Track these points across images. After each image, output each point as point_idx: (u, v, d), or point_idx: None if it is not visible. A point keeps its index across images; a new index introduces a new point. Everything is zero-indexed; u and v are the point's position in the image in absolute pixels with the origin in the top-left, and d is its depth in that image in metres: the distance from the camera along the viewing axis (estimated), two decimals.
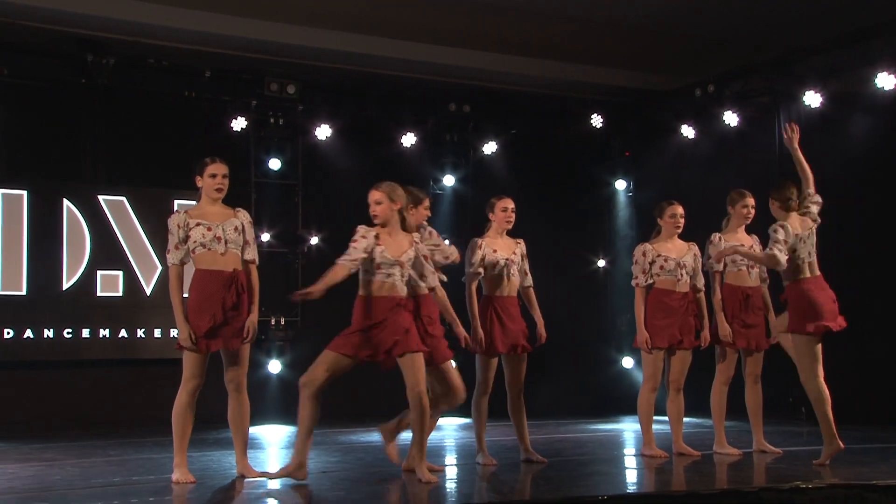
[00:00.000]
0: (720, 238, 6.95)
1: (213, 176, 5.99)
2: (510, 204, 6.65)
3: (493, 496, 5.75)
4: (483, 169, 11.87)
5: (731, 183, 10.12)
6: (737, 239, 6.95)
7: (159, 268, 10.40)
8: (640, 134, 12.09)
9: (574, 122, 11.85)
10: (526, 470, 6.41)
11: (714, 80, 10.76)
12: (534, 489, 5.93)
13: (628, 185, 12.20)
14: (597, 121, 11.74)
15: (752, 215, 7.05)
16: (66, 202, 10.18)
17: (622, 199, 12.28)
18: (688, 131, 11.14)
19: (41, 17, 9.30)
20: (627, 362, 11.70)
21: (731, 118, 10.58)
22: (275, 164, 10.74)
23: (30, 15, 9.22)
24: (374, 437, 8.67)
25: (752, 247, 6.94)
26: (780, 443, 7.27)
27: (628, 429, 9.52)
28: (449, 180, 11.72)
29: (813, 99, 9.75)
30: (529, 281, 6.70)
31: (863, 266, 9.56)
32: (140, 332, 10.36)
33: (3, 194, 9.83)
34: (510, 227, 6.68)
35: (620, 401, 11.17)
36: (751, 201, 7.04)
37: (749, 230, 7.12)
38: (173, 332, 10.31)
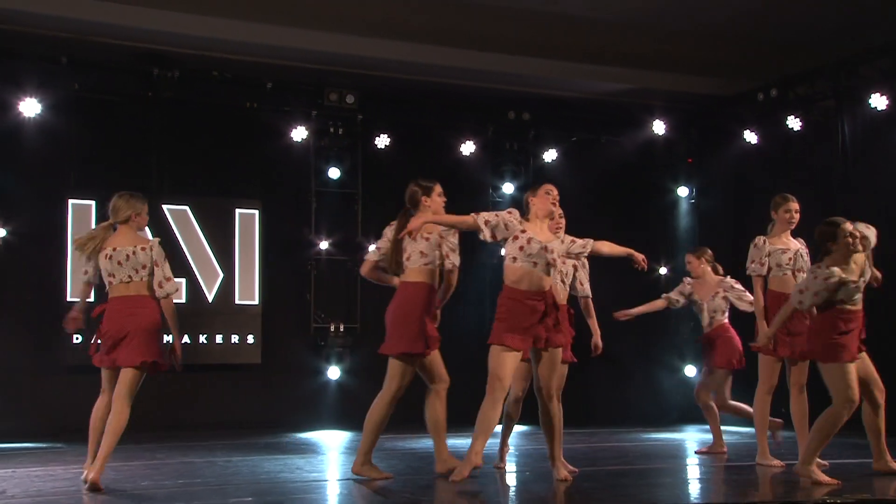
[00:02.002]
0: (765, 241, 6.82)
1: (441, 195, 6.28)
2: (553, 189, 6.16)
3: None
4: (543, 176, 11.45)
5: (794, 188, 9.93)
6: (781, 243, 6.82)
7: (221, 275, 10.57)
8: (702, 140, 12.06)
9: (635, 129, 11.82)
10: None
11: (777, 84, 10.70)
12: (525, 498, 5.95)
13: (690, 192, 12.14)
14: (659, 127, 11.70)
15: (795, 220, 6.87)
16: None
17: (684, 205, 12.23)
18: (750, 136, 11.04)
19: (108, 33, 9.58)
20: (690, 371, 11.58)
21: (794, 122, 10.47)
22: (334, 173, 10.87)
23: (97, 31, 9.51)
24: (417, 443, 8.61)
25: (797, 251, 6.80)
26: (833, 454, 7.04)
27: (689, 438, 9.42)
28: (508, 188, 11.74)
29: (878, 101, 9.61)
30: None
31: None
32: (202, 338, 10.51)
33: (73, 205, 10.08)
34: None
35: (683, 409, 11.10)
36: (794, 206, 6.86)
37: (795, 234, 6.99)
38: (234, 339, 10.65)
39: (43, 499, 5.75)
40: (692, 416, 10.28)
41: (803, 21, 10.25)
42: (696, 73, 11.28)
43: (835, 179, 10.19)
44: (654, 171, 12.17)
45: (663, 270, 12.11)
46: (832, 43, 10.40)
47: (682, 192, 12.18)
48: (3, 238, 9.67)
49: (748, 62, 11.12)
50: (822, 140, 10.43)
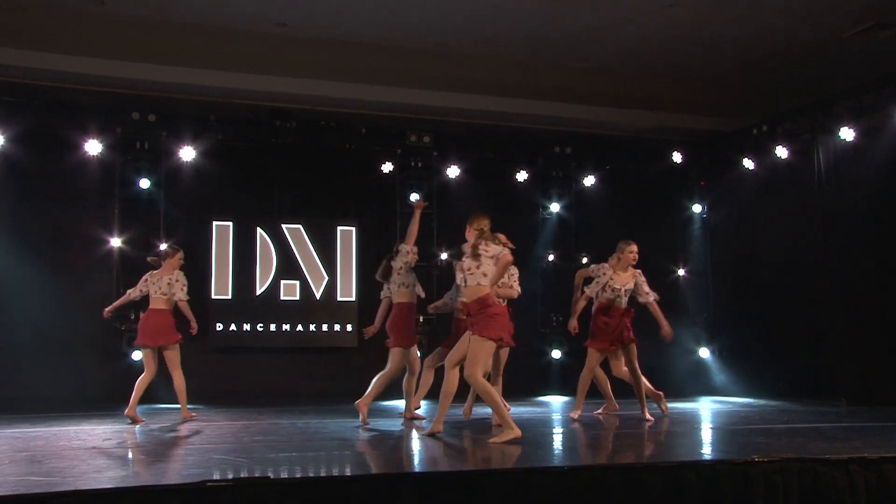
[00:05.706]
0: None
1: (182, 259, 7.79)
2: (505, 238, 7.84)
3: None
4: (583, 198, 12.82)
5: (782, 204, 10.97)
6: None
7: (326, 278, 11.61)
8: (712, 167, 12.88)
9: (658, 159, 12.72)
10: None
11: (768, 121, 11.58)
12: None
13: (703, 209, 12.98)
14: (677, 157, 12.63)
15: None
16: (259, 230, 11.65)
17: (697, 219, 13.09)
18: (748, 164, 11.95)
19: (243, 96, 10.88)
20: (703, 352, 12.45)
21: (781, 152, 11.39)
22: (415, 197, 11.59)
23: (235, 95, 10.85)
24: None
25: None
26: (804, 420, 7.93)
27: (704, 407, 10.12)
28: (555, 208, 12.86)
29: (847, 134, 10.47)
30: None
31: (892, 269, 10.11)
32: (312, 327, 11.62)
33: (216, 225, 11.54)
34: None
35: (698, 385, 12.04)
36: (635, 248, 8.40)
37: None
38: (336, 327, 11.56)
39: (142, 448, 6.22)
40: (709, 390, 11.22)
41: (788, 71, 11.17)
42: (705, 113, 12.24)
43: (813, 197, 10.96)
44: (673, 192, 12.94)
45: (681, 272, 12.89)
46: (810, 88, 11.31)
47: (696, 208, 13.05)
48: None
49: (745, 104, 12.01)
50: (803, 165, 11.19)
